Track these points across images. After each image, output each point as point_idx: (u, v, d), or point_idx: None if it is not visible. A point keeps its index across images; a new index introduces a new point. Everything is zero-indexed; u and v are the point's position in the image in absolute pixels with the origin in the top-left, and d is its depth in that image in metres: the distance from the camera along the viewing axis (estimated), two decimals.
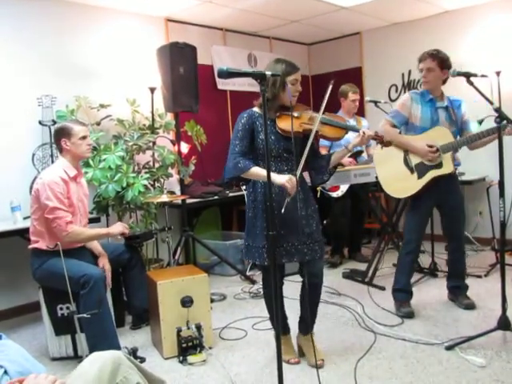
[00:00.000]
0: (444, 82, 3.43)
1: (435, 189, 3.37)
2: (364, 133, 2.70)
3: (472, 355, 2.82)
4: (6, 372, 1.52)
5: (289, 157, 2.71)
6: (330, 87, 2.69)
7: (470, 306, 3.57)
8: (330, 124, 2.76)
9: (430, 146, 3.32)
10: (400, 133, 3.51)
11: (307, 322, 2.88)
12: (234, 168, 2.63)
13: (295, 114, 2.66)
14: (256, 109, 2.74)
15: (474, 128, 4.92)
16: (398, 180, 3.44)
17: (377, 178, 3.59)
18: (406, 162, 3.40)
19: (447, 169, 3.36)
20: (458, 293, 3.68)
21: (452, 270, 3.72)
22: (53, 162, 3.85)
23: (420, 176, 3.36)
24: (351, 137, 3.05)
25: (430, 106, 3.43)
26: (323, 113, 2.69)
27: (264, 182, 2.63)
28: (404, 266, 3.59)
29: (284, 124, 2.66)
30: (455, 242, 3.62)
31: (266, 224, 2.62)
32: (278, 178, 2.54)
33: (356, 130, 2.80)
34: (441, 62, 3.34)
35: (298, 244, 2.71)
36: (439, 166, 3.34)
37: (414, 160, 3.38)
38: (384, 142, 2.81)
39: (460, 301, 3.63)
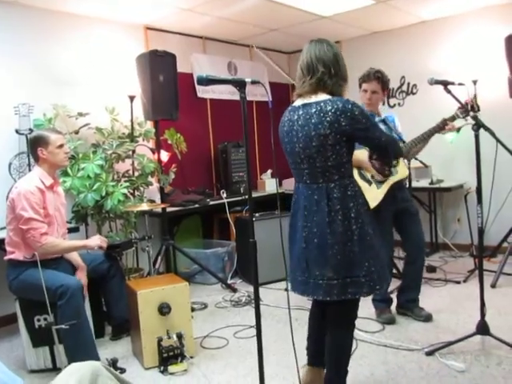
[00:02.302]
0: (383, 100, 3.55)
1: (391, 200, 3.35)
2: None
3: (452, 360, 2.85)
4: None
5: None
6: None
7: (430, 318, 3.49)
8: None
9: None
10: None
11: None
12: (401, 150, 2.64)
13: None
14: (327, 96, 2.23)
15: (453, 136, 5.03)
16: None
17: None
18: (362, 176, 3.38)
19: (402, 173, 3.42)
20: (411, 306, 3.57)
21: (410, 281, 3.59)
22: (30, 171, 3.78)
23: (379, 186, 3.36)
24: None
25: None
26: None
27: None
28: None
29: None
30: (417, 249, 3.53)
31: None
32: None
33: None
34: (383, 84, 3.44)
35: None
36: (394, 172, 3.38)
37: (369, 172, 3.38)
38: None
39: (417, 313, 3.53)
